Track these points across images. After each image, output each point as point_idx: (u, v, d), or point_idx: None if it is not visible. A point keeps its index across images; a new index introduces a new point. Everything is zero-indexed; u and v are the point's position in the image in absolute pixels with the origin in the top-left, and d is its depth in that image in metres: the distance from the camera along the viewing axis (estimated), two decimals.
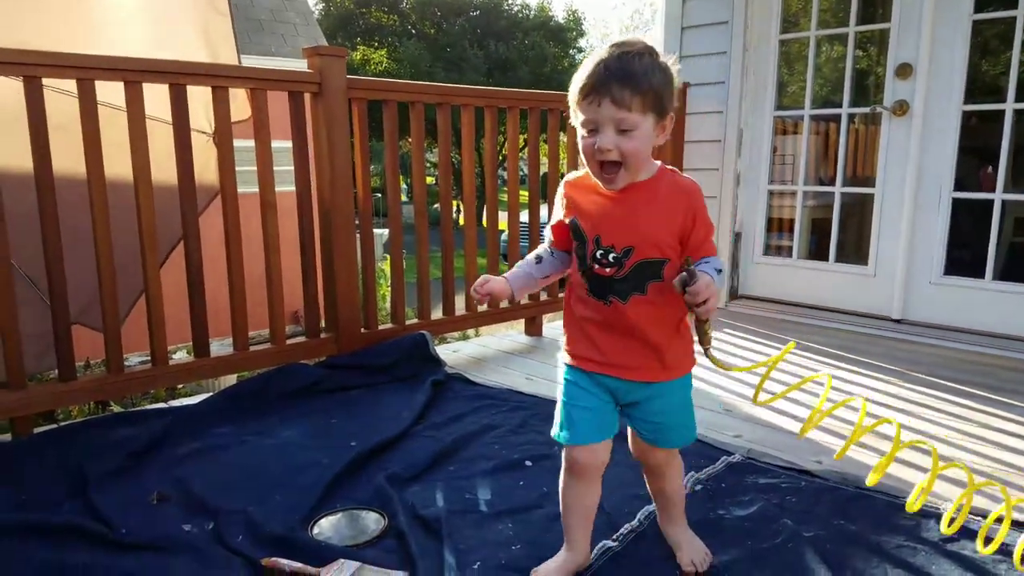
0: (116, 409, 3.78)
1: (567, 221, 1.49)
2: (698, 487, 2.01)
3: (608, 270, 1.43)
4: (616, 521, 1.80)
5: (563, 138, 3.75)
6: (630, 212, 1.41)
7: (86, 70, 2.25)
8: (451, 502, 1.92)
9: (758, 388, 1.52)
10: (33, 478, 2.04)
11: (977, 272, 3.62)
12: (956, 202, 3.67)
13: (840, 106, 4.00)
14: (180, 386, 4.23)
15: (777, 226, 4.39)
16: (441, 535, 1.73)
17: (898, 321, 3.81)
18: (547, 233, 1.59)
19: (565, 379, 1.54)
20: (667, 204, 1.40)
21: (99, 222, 2.34)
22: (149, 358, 2.55)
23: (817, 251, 4.25)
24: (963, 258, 3.74)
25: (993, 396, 2.82)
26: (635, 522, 1.80)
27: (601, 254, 1.43)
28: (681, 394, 1.55)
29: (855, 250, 4.11)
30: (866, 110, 3.99)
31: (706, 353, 1.41)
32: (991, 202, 3.57)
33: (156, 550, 1.68)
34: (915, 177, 3.72)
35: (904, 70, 3.70)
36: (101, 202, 2.33)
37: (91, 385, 2.45)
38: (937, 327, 3.69)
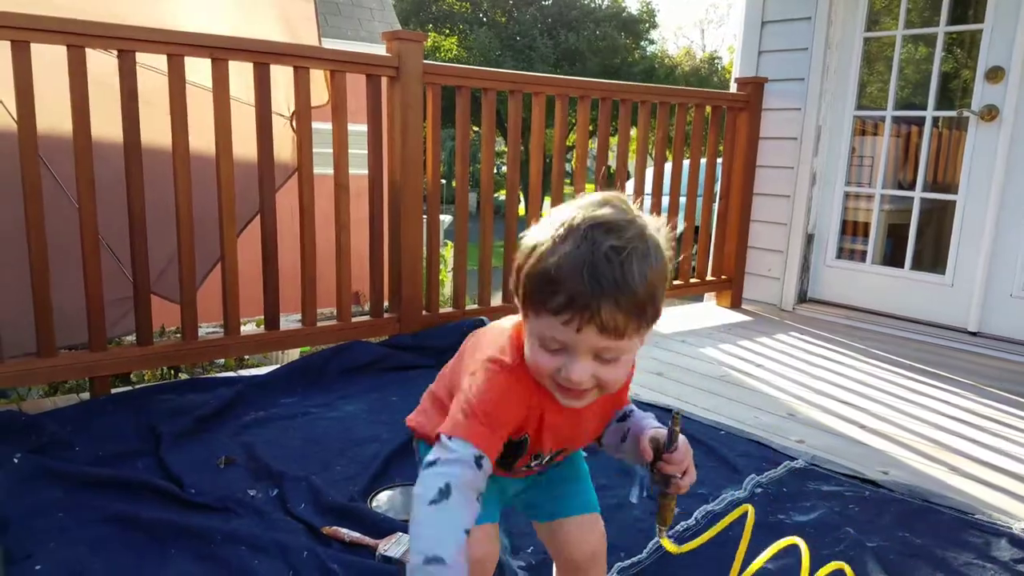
0: (185, 376, 3.92)
1: (516, 439, 1.07)
2: (758, 490, 1.99)
3: (535, 468, 1.17)
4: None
5: (633, 132, 3.73)
6: (589, 425, 1.14)
7: (177, 46, 2.34)
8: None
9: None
10: (110, 435, 2.14)
11: None
12: None
13: (924, 108, 3.88)
14: (247, 358, 4.35)
15: (852, 229, 4.28)
16: None
17: (974, 334, 3.67)
18: (467, 430, 0.98)
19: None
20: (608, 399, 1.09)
21: (181, 194, 2.43)
22: (219, 328, 2.65)
23: (892, 257, 4.12)
24: None
25: None
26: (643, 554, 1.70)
27: (535, 462, 1.14)
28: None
29: (932, 258, 3.98)
30: (952, 113, 3.86)
31: (658, 533, 1.11)
32: None
33: (223, 511, 1.75)
34: (1001, 185, 3.58)
35: (995, 74, 3.56)
36: (184, 174, 2.42)
37: (166, 350, 2.55)
38: (1016, 342, 3.55)
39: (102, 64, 2.35)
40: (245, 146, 2.56)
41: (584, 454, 1.29)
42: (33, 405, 2.43)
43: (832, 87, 4.12)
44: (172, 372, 4.23)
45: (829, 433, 2.46)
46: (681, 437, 1.04)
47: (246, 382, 2.55)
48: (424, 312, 3.11)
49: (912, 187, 3.99)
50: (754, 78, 4.24)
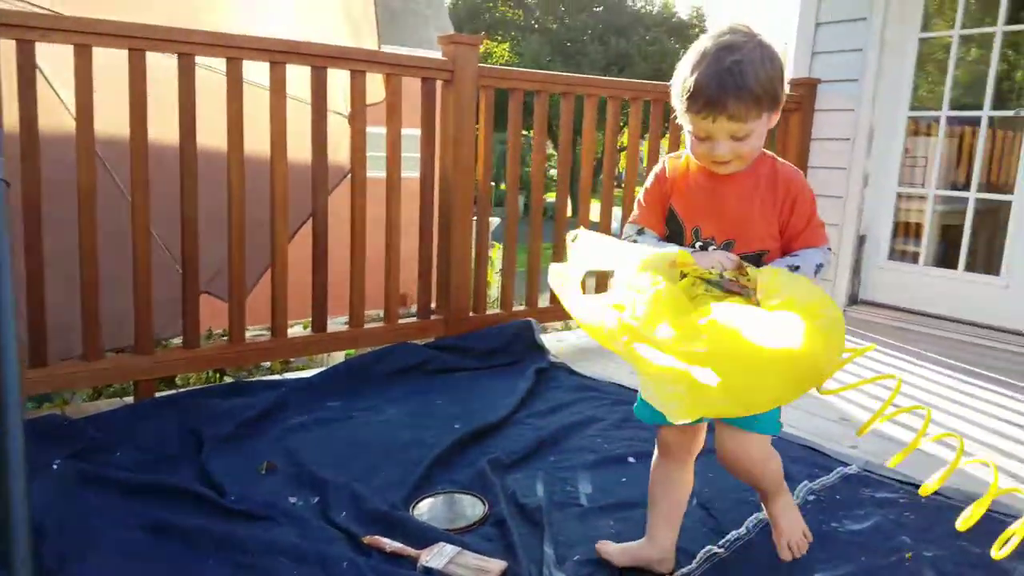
0: (230, 379, 3.85)
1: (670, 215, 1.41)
2: (811, 497, 1.87)
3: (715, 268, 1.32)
4: (724, 527, 1.70)
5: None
6: (731, 203, 1.34)
7: (236, 49, 2.28)
8: (552, 493, 1.83)
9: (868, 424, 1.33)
10: (152, 440, 2.06)
11: None
12: None
13: (979, 108, 3.65)
14: (292, 361, 4.27)
15: (904, 230, 4.05)
16: (542, 526, 1.65)
17: None
18: (635, 215, 1.44)
19: None
20: (768, 194, 1.33)
21: (234, 195, 2.36)
22: (266, 331, 2.55)
23: (946, 258, 3.89)
24: None
25: None
26: (743, 529, 1.69)
27: (700, 246, 1.35)
28: None
29: (986, 260, 3.75)
30: (1010, 113, 3.64)
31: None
32: None
33: (262, 519, 1.66)
34: None
35: None
36: (238, 176, 2.35)
37: (212, 353, 2.48)
38: None
39: (165, 68, 2.31)
40: (302, 146, 2.49)
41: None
42: (76, 409, 2.34)
43: (886, 88, 3.90)
44: (218, 375, 4.15)
45: (883, 438, 2.31)
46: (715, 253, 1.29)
47: (291, 386, 2.45)
48: (471, 314, 2.99)
49: (966, 188, 3.77)
50: (807, 79, 4.04)
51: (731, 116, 1.23)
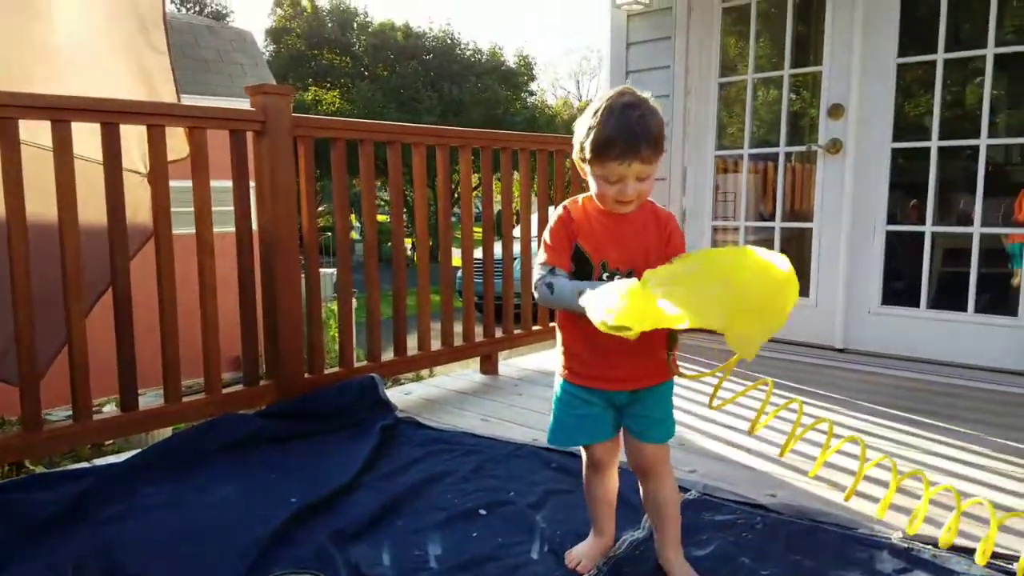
0: (37, 470, 3.42)
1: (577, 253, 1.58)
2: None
3: None
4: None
5: (516, 176, 3.67)
6: (629, 237, 1.56)
7: (8, 108, 2.04)
8: (399, 560, 1.73)
9: (713, 395, 1.80)
10: None
11: (912, 301, 3.62)
12: (890, 235, 3.68)
13: (777, 145, 4.01)
14: (108, 443, 3.87)
15: None
16: None
17: (841, 350, 3.77)
18: (544, 257, 1.59)
19: (562, 389, 1.66)
20: (653, 229, 1.57)
21: (18, 267, 2.10)
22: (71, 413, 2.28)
23: None
24: (899, 288, 3.75)
25: (931, 421, 2.78)
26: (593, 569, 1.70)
27: (607, 277, 1.53)
28: (666, 391, 1.69)
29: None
30: (802, 148, 4.02)
31: (669, 357, 1.56)
32: (922, 234, 3.58)
33: None
34: (850, 211, 3.73)
35: (836, 111, 3.73)
36: (21, 245, 2.10)
37: (5, 444, 2.18)
38: (877, 355, 3.67)
39: None
40: (98, 208, 2.27)
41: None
42: None
43: (694, 130, 4.21)
44: (16, 469, 3.66)
45: (717, 460, 2.41)
46: None
47: (100, 473, 2.19)
48: (307, 375, 2.81)
49: (772, 218, 4.11)
50: None
51: (643, 160, 1.44)
